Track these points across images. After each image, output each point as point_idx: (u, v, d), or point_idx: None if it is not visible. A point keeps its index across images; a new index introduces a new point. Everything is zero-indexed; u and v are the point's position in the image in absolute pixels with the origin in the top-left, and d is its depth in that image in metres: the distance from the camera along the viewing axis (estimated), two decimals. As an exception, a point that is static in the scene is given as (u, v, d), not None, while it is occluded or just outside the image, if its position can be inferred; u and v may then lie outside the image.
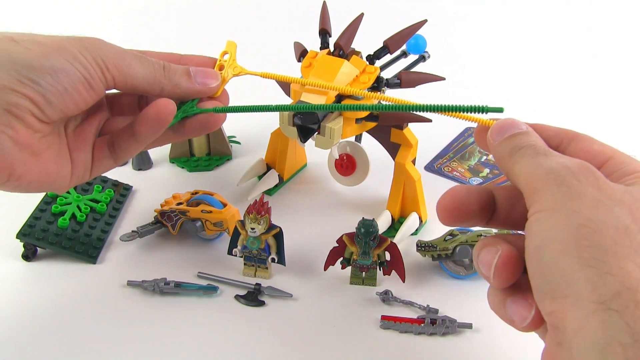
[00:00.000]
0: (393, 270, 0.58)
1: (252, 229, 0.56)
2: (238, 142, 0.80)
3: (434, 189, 0.72)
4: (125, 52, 0.42)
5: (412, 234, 0.65)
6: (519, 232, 0.37)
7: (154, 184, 0.73)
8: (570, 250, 0.28)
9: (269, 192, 0.71)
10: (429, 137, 0.71)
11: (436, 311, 0.55)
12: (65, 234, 0.61)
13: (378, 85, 0.59)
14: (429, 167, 0.77)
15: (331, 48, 0.60)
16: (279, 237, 0.57)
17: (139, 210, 0.68)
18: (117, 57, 0.41)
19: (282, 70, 0.67)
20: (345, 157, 0.68)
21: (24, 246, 0.60)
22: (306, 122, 0.56)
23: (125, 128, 0.45)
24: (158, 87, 0.43)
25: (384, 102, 0.44)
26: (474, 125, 0.85)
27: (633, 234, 0.29)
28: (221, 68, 0.49)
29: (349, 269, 0.59)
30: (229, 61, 0.49)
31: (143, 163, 0.75)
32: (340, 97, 0.57)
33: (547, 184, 0.31)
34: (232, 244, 0.59)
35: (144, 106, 0.46)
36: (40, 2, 1.22)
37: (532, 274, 0.31)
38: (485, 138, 0.37)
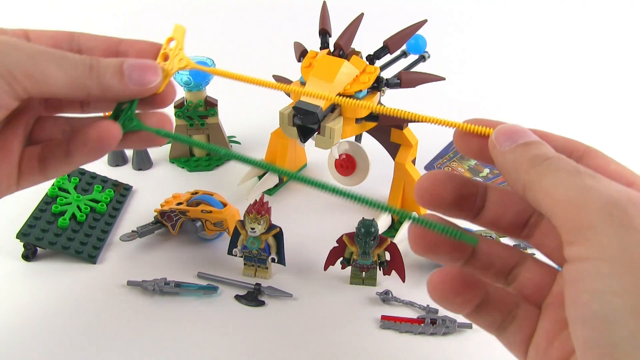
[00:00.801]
0: (393, 270, 0.58)
1: (252, 229, 0.56)
2: (238, 142, 0.80)
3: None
4: (40, 55, 0.35)
5: (412, 234, 0.65)
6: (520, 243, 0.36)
7: (154, 184, 0.73)
8: None
9: (269, 192, 0.71)
10: (429, 137, 0.71)
11: (436, 311, 0.55)
12: (65, 234, 0.61)
13: (378, 85, 0.59)
14: (429, 167, 0.77)
15: (331, 48, 0.60)
16: (279, 237, 0.57)
17: (139, 210, 0.68)
18: (28, 63, 0.35)
19: (282, 70, 0.68)
20: (345, 157, 0.68)
21: (24, 246, 0.60)
22: (306, 122, 0.56)
23: (59, 144, 0.38)
24: (84, 91, 0.36)
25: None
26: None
27: None
28: (166, 58, 0.39)
29: (349, 269, 0.59)
30: (174, 50, 0.40)
31: (143, 163, 0.75)
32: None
33: (607, 222, 0.24)
34: (232, 244, 0.59)
35: (86, 102, 0.41)
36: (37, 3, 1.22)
37: (587, 341, 0.24)
38: (467, 141, 0.33)
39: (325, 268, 0.59)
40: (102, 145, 0.37)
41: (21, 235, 0.59)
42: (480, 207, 0.34)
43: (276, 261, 0.58)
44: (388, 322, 0.54)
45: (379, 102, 0.61)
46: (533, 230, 0.32)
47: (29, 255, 0.60)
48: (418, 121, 0.35)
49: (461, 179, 0.34)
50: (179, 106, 0.72)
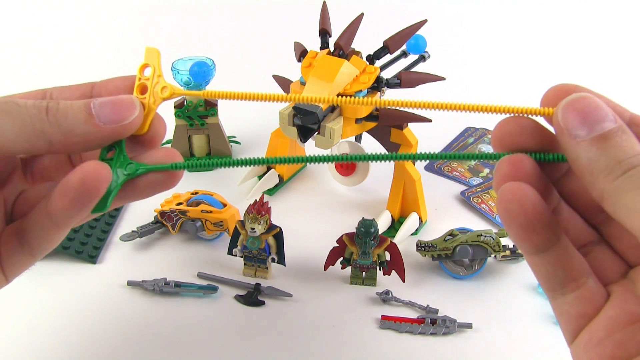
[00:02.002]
0: (393, 270, 0.58)
1: (252, 229, 0.56)
2: (238, 142, 0.80)
3: (434, 189, 0.72)
4: None
5: (412, 234, 0.65)
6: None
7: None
8: None
9: (269, 192, 0.71)
10: (429, 137, 0.71)
11: (436, 311, 0.55)
12: (65, 234, 0.61)
13: (378, 85, 0.59)
14: (429, 167, 0.77)
15: (331, 48, 0.60)
16: (279, 237, 0.57)
17: (139, 210, 0.68)
18: None
19: (282, 70, 0.68)
20: (345, 157, 0.68)
21: (24, 246, 0.60)
22: (306, 122, 0.56)
23: (38, 207, 0.32)
24: (43, 140, 0.30)
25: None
26: (475, 125, 0.85)
27: None
28: (144, 90, 0.33)
29: (349, 269, 0.59)
30: (152, 78, 0.33)
31: (143, 163, 0.75)
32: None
33: None
34: (232, 244, 0.59)
35: (79, 162, 0.34)
36: (39, 3, 1.22)
37: None
38: (520, 127, 0.28)
39: (325, 268, 0.59)
40: (87, 189, 0.29)
41: (21, 235, 0.59)
42: (565, 171, 0.30)
43: (276, 261, 0.58)
44: (388, 322, 0.54)
45: (379, 102, 0.61)
46: (611, 220, 0.28)
47: (29, 255, 0.60)
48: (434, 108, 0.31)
49: (546, 135, 0.29)
50: (179, 106, 0.72)
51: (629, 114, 0.28)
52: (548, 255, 0.28)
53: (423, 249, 0.60)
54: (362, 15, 0.62)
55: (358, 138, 0.71)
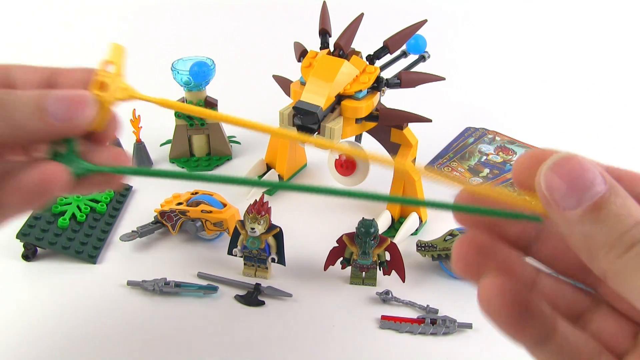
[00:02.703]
0: (393, 270, 0.58)
1: (252, 229, 0.56)
2: (238, 142, 0.80)
3: (434, 189, 0.72)
4: None
5: (412, 234, 0.65)
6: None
7: (154, 184, 0.73)
8: None
9: (269, 192, 0.71)
10: (429, 137, 0.71)
11: (436, 311, 0.55)
12: (65, 234, 0.61)
13: (378, 85, 0.59)
14: (429, 167, 0.77)
15: (331, 48, 0.60)
16: (279, 237, 0.57)
17: (139, 210, 0.68)
18: None
19: (282, 70, 0.68)
20: (345, 157, 0.68)
21: (24, 246, 0.60)
22: (306, 122, 0.56)
23: None
24: None
25: None
26: (475, 125, 0.85)
27: None
28: (103, 87, 0.32)
29: (349, 269, 0.59)
30: (113, 76, 0.32)
31: (143, 163, 0.75)
32: (340, 98, 0.57)
33: None
34: (232, 244, 0.59)
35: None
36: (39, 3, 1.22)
37: None
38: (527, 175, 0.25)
39: (325, 268, 0.59)
40: (44, 192, 0.29)
41: (21, 235, 0.59)
42: (533, 237, 0.27)
43: (276, 261, 0.58)
44: (388, 322, 0.54)
45: (379, 102, 0.61)
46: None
47: (29, 255, 0.60)
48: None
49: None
50: (179, 106, 0.72)
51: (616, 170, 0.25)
52: (549, 346, 0.25)
53: (423, 249, 0.60)
54: (362, 15, 0.62)
55: (358, 138, 0.71)
